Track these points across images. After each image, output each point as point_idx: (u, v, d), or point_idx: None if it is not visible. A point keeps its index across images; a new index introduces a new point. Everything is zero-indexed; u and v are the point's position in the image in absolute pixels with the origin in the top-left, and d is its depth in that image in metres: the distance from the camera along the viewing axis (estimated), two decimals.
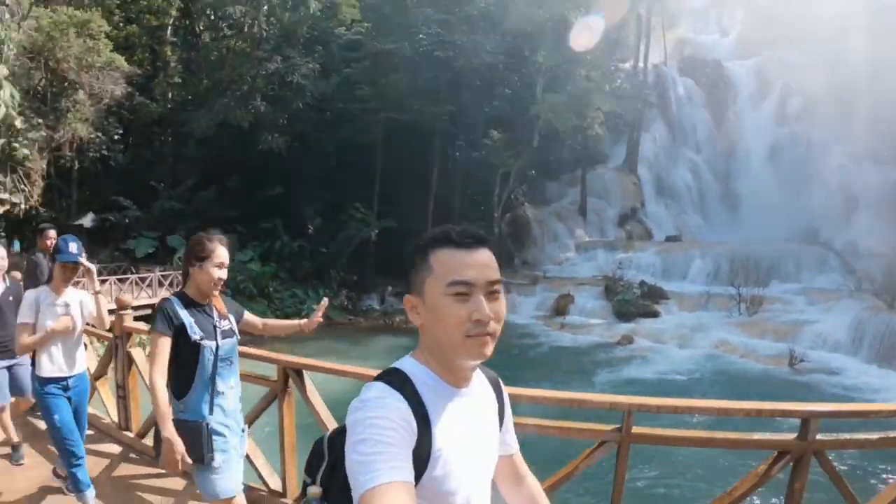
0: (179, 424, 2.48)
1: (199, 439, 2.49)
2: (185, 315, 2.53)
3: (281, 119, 26.90)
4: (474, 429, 1.17)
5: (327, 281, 25.73)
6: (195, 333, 2.52)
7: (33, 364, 3.73)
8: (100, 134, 24.39)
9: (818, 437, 2.75)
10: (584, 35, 26.57)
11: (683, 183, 37.00)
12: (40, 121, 20.54)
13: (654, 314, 22.34)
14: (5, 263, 4.48)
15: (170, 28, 29.90)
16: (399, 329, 24.03)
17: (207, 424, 2.52)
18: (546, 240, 32.55)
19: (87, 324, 3.92)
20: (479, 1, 29.24)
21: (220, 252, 2.62)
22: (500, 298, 1.13)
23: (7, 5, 15.77)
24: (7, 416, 4.55)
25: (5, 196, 17.06)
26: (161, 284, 19.17)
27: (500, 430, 1.29)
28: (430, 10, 28.85)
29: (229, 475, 2.58)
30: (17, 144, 19.22)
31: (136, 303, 14.42)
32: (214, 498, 2.55)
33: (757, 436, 2.88)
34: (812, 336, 18.47)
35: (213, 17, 30.38)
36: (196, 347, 2.52)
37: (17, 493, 3.98)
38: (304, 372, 3.62)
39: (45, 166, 21.45)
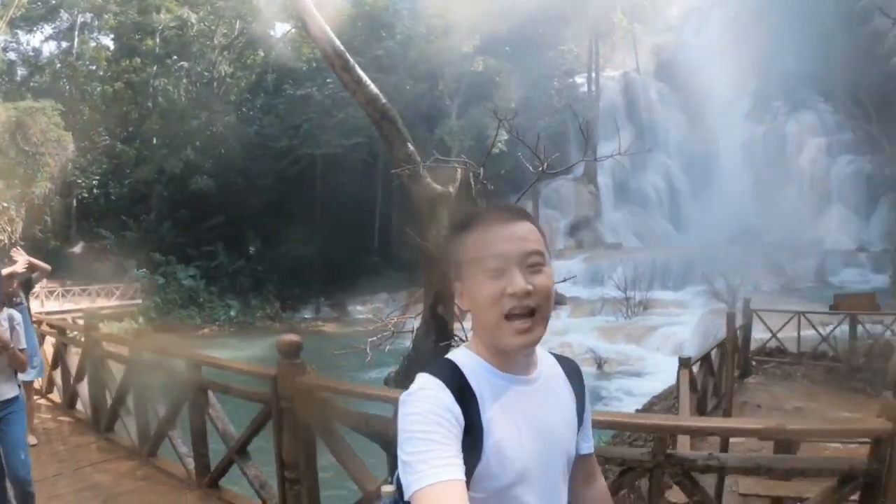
0: None
1: None
2: None
3: (206, 163, 31.56)
4: (538, 420, 1.07)
5: (265, 294, 30.30)
6: None
7: None
8: (82, 180, 31.29)
9: None
10: None
11: (653, 188, 36.70)
12: (17, 181, 27.18)
13: None
14: None
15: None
16: (294, 329, 26.62)
17: None
18: None
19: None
20: (388, 42, 32.33)
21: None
22: (542, 272, 1.05)
23: None
24: None
25: None
26: (97, 294, 25.70)
27: (580, 425, 1.18)
28: None
29: None
30: None
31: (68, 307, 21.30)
32: None
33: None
34: (659, 339, 18.54)
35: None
36: None
37: None
38: None
39: (23, 212, 27.68)
